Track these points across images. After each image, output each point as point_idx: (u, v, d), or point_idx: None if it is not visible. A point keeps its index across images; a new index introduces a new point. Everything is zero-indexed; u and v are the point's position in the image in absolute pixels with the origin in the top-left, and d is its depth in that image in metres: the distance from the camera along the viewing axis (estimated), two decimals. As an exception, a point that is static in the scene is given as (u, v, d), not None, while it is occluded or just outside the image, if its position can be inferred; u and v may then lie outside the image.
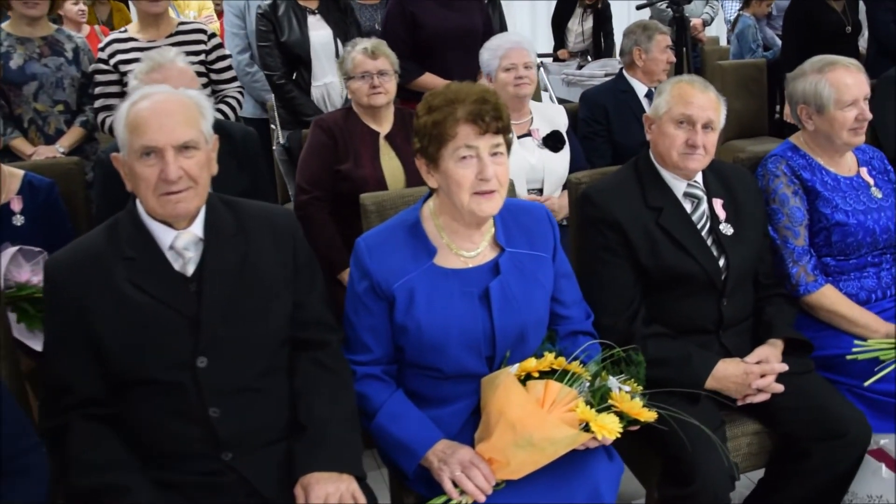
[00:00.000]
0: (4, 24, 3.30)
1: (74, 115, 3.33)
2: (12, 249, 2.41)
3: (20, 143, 3.23)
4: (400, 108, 2.98)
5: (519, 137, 3.04)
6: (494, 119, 1.72)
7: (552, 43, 6.41)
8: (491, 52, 3.07)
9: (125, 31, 3.25)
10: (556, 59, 6.03)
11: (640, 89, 3.39)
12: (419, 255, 1.83)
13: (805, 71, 2.29)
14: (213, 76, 3.27)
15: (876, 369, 2.08)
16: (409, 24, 3.46)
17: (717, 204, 2.11)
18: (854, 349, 2.10)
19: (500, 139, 1.75)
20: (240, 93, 3.32)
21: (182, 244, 1.71)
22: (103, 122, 3.18)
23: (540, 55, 6.00)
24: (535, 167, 3.01)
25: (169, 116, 1.66)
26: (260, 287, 1.75)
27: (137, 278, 1.67)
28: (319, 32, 3.48)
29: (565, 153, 3.08)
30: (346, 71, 2.84)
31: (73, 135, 3.30)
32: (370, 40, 2.90)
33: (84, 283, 1.66)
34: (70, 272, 1.68)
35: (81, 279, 1.66)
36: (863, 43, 4.94)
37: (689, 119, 2.03)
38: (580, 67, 5.69)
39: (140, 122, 1.64)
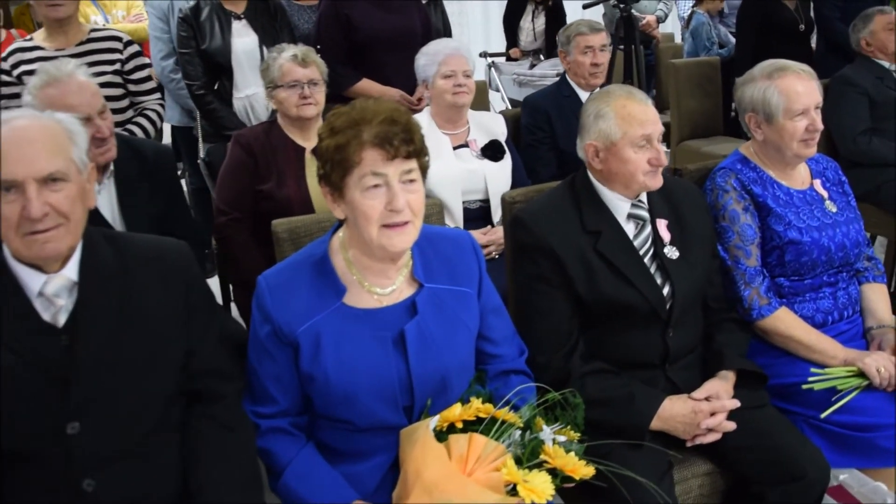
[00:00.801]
0: None
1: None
2: None
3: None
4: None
5: (455, 148, 2.86)
6: (405, 142, 1.53)
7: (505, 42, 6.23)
8: (428, 57, 2.88)
9: (31, 38, 3.00)
10: (509, 59, 5.84)
11: (582, 94, 3.21)
12: (327, 294, 1.63)
13: (754, 76, 2.12)
14: (132, 87, 3.03)
15: (833, 399, 1.93)
16: (344, 27, 3.25)
17: (662, 225, 1.93)
18: (809, 378, 1.95)
19: (412, 164, 1.56)
20: (161, 105, 3.09)
21: (52, 290, 1.49)
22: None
23: (492, 54, 5.83)
24: (474, 176, 2.82)
25: (30, 145, 1.44)
26: (144, 336, 1.55)
27: (2, 337, 1.45)
28: (244, 39, 3.25)
29: (506, 163, 2.90)
30: (272, 79, 2.62)
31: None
32: (299, 47, 2.68)
33: None
34: None
35: None
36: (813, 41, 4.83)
37: (649, 138, 1.87)
38: (532, 67, 5.51)
39: None
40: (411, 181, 1.56)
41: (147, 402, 1.54)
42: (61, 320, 1.49)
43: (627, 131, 1.85)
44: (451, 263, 1.71)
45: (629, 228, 1.92)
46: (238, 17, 3.27)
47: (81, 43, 2.96)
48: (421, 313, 1.64)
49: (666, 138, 5.05)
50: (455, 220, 2.80)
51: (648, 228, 1.93)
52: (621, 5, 3.69)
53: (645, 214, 1.93)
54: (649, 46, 5.77)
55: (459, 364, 1.68)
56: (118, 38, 3.02)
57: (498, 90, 5.70)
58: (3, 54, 3.00)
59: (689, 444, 1.84)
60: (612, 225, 1.90)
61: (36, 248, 1.44)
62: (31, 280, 1.48)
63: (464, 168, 2.82)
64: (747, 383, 1.92)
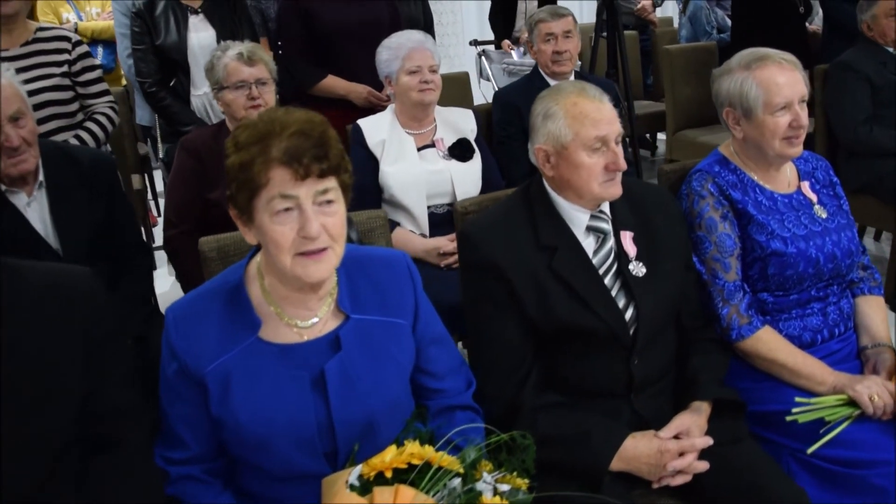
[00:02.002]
0: None
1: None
2: None
3: None
4: None
5: (420, 149, 2.66)
6: (317, 159, 1.33)
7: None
8: (391, 52, 2.68)
9: (-27, 37, 2.82)
10: (482, 51, 5.60)
11: (553, 83, 3.00)
12: (240, 328, 1.45)
13: (731, 67, 1.91)
14: (80, 89, 2.86)
15: (821, 431, 1.72)
16: (304, 20, 3.05)
17: (626, 238, 1.72)
18: (794, 409, 1.74)
19: (328, 183, 1.36)
20: (111, 107, 2.91)
21: None
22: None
23: (482, 42, 5.60)
24: (440, 178, 2.63)
25: None
26: (32, 379, 1.36)
27: None
28: (201, 34, 3.08)
29: (475, 162, 2.70)
30: (218, 80, 2.44)
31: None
32: (244, 44, 2.49)
33: None
34: None
35: None
36: (818, 23, 4.59)
37: (604, 140, 1.65)
38: (525, 55, 5.29)
39: None
40: (328, 202, 1.37)
41: (35, 453, 1.36)
42: None
43: (579, 132, 1.64)
44: (382, 291, 1.52)
45: (588, 243, 1.71)
46: (195, 12, 3.10)
47: (27, 43, 2.79)
48: (345, 349, 1.46)
49: (661, 127, 4.87)
50: (420, 226, 2.61)
51: (611, 242, 1.72)
52: (603, -10, 3.46)
53: (606, 227, 1.72)
54: (646, 31, 5.54)
55: (389, 404, 1.49)
56: (66, 38, 2.84)
57: (489, 80, 5.49)
58: (-58, 54, 2.83)
59: (655, 486, 1.64)
60: (569, 240, 1.69)
61: None
62: None
63: (429, 170, 2.63)
64: (724, 413, 1.72)
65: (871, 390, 1.72)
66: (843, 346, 1.91)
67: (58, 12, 4.81)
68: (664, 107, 4.67)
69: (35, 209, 2.17)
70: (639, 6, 5.50)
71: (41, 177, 2.17)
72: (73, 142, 2.75)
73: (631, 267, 1.70)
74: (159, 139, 3.07)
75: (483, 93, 6.03)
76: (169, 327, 1.46)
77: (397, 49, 2.66)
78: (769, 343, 1.82)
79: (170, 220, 2.43)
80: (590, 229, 1.72)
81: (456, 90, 4.00)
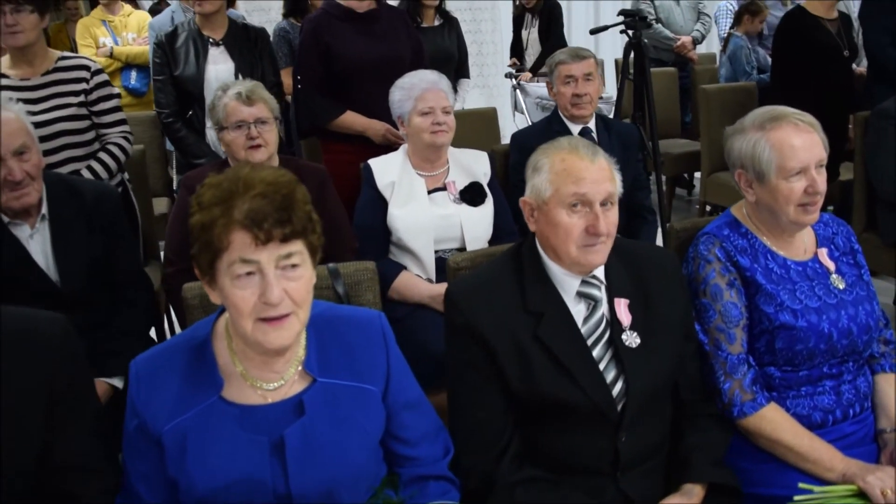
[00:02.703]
0: None
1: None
2: None
3: None
4: (286, 160, 2.54)
5: (431, 192, 2.59)
6: (279, 223, 1.28)
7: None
8: (404, 92, 2.62)
9: (-4, 66, 2.85)
10: (517, 72, 5.55)
11: (574, 128, 2.91)
12: (202, 387, 1.40)
13: (744, 126, 1.80)
14: (95, 119, 2.86)
15: (827, 524, 1.59)
16: (324, 56, 3.02)
17: (621, 306, 1.62)
18: (797, 497, 1.61)
19: (292, 247, 1.31)
20: (125, 138, 2.90)
21: None
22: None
23: (517, 75, 5.55)
24: (450, 223, 2.56)
25: None
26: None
27: None
28: (220, 66, 3.06)
29: (487, 207, 2.62)
30: (218, 120, 2.41)
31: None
32: (245, 83, 2.46)
33: None
34: None
35: None
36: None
37: (584, 199, 1.56)
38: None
39: None
40: (292, 266, 1.31)
41: None
42: None
43: (559, 188, 1.55)
44: (352, 354, 1.46)
45: (578, 310, 1.61)
46: (216, 44, 3.09)
47: (48, 72, 2.81)
48: (308, 413, 1.39)
49: (698, 167, 4.73)
50: (426, 270, 2.54)
51: (603, 309, 1.62)
52: (630, 31, 3.35)
53: (598, 294, 1.62)
54: (685, 69, 5.41)
55: (354, 473, 1.42)
56: (86, 67, 2.85)
57: (522, 112, 5.43)
58: (-32, 82, 2.86)
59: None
60: (558, 305, 1.60)
61: None
62: None
63: (438, 214, 2.56)
64: (719, 497, 1.60)
65: (885, 483, 1.58)
66: (859, 429, 1.77)
67: (95, 36, 4.90)
68: (700, 147, 4.55)
69: (37, 241, 2.17)
70: (679, 43, 5.38)
71: (44, 209, 2.17)
72: (85, 172, 2.76)
73: (624, 337, 1.60)
74: (174, 169, 3.07)
75: (517, 125, 5.98)
76: (132, 382, 1.43)
77: (410, 89, 2.60)
78: (774, 422, 1.70)
79: (168, 258, 2.41)
80: (581, 295, 1.62)
81: (482, 125, 3.94)
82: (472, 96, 4.84)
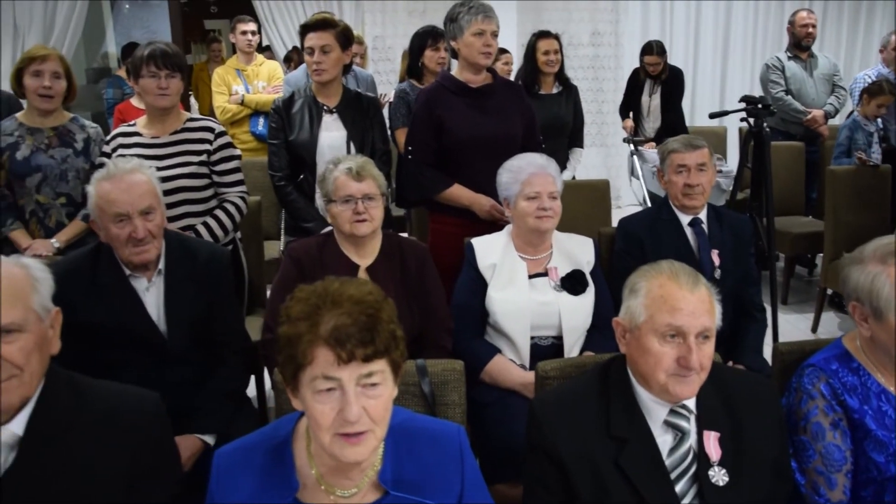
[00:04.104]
0: (19, 114, 3.21)
1: (78, 207, 3.16)
2: None
3: (18, 235, 3.11)
4: (389, 236, 2.58)
5: (532, 276, 2.57)
6: (362, 344, 1.29)
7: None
8: (511, 175, 2.62)
9: (133, 124, 3.05)
10: (634, 148, 5.44)
11: (684, 218, 2.81)
12: (279, 487, 1.42)
13: (864, 256, 1.69)
14: (216, 178, 3.01)
15: None
16: (436, 130, 3.06)
17: (711, 439, 1.55)
18: None
19: (374, 366, 1.32)
20: (242, 198, 3.03)
21: None
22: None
23: (636, 140, 5.46)
24: (548, 310, 2.52)
25: None
26: (79, 498, 1.43)
27: None
28: (332, 133, 3.14)
29: (587, 297, 2.57)
30: (327, 192, 2.48)
31: (72, 229, 3.14)
32: (356, 158, 2.52)
33: None
34: None
35: None
36: None
37: (680, 331, 1.51)
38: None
39: None
40: (373, 385, 1.32)
41: None
42: None
43: (654, 316, 1.51)
44: (427, 471, 1.45)
45: (665, 440, 1.55)
46: (330, 111, 3.17)
47: (176, 132, 2.98)
48: (378, 526, 1.39)
49: (818, 249, 4.50)
50: (521, 356, 2.51)
51: (691, 442, 1.55)
52: (750, 119, 3.23)
53: (686, 426, 1.55)
54: (814, 143, 5.17)
55: None
56: (210, 129, 3.01)
57: (638, 178, 5.34)
58: (108, 138, 3.07)
59: None
60: (643, 433, 1.54)
61: None
62: None
63: (538, 300, 2.53)
64: None
65: None
66: None
67: (228, 84, 5.17)
68: (823, 228, 4.33)
69: (152, 294, 2.29)
70: (809, 116, 5.16)
71: (161, 265, 2.30)
72: (201, 228, 2.89)
73: (711, 473, 1.53)
74: (283, 231, 3.16)
75: (633, 191, 5.88)
76: (213, 473, 1.47)
77: (517, 172, 2.60)
78: (874, 582, 1.57)
79: (268, 325, 2.47)
80: (668, 425, 1.56)
81: (594, 197, 3.88)
82: (588, 155, 4.81)
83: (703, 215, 2.80)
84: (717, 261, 2.73)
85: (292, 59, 6.41)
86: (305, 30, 3.12)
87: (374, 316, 1.32)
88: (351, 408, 1.28)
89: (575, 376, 1.72)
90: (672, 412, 1.56)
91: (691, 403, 1.57)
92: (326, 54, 3.09)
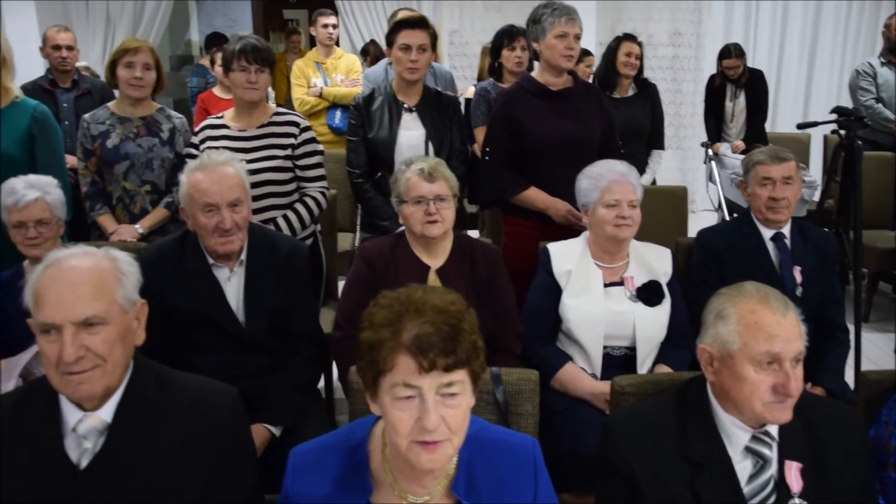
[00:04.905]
0: (111, 104, 3.32)
1: (162, 195, 3.26)
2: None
3: (105, 220, 3.22)
4: (460, 237, 2.58)
5: (607, 285, 2.54)
6: (443, 353, 1.30)
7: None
8: (591, 181, 2.59)
9: (221, 116, 3.12)
10: (713, 154, 5.31)
11: (766, 232, 2.73)
12: (353, 490, 1.45)
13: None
14: (298, 172, 3.06)
15: None
16: (514, 132, 3.05)
17: (792, 469, 1.51)
18: None
19: (454, 376, 1.32)
20: (322, 193, 3.08)
21: (83, 430, 1.48)
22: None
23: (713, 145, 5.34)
24: (622, 320, 2.49)
25: (72, 289, 1.45)
26: (161, 489, 1.48)
27: (27, 464, 1.45)
28: (411, 133, 3.15)
29: (663, 308, 2.53)
30: (399, 193, 2.50)
31: (155, 216, 3.23)
32: (428, 159, 2.53)
33: None
34: None
35: None
36: None
37: (776, 358, 1.47)
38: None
39: (40, 294, 1.46)
40: (452, 395, 1.32)
41: None
42: (84, 463, 1.47)
43: (749, 343, 1.47)
44: (500, 483, 1.45)
45: (744, 466, 1.51)
46: (409, 110, 3.18)
47: (262, 125, 3.04)
48: (450, 536, 1.40)
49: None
50: (592, 365, 2.49)
51: (771, 471, 1.51)
52: (842, 131, 3.11)
53: (768, 453, 1.51)
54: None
55: None
56: (296, 124, 3.06)
57: (716, 183, 5.20)
58: (196, 129, 3.15)
59: None
60: (722, 459, 1.51)
61: (70, 388, 1.45)
62: (69, 414, 1.49)
63: (612, 309, 2.50)
64: None
65: None
66: None
67: (308, 76, 5.24)
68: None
69: (233, 284, 2.35)
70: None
71: (243, 256, 2.36)
72: (281, 220, 2.95)
73: (792, 504, 1.49)
74: (358, 227, 3.18)
75: (710, 197, 5.74)
76: (289, 471, 1.50)
77: (597, 179, 2.57)
78: None
79: (338, 322, 2.50)
80: (749, 451, 1.52)
81: (672, 204, 3.81)
82: (664, 158, 4.72)
83: (786, 230, 2.72)
84: (798, 278, 2.65)
85: (369, 51, 6.45)
86: (401, 26, 3.10)
87: (456, 326, 1.32)
88: (430, 416, 1.29)
89: (652, 394, 1.70)
90: (754, 438, 1.52)
91: (774, 430, 1.53)
92: (423, 53, 3.09)
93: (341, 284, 3.65)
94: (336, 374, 2.65)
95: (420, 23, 3.10)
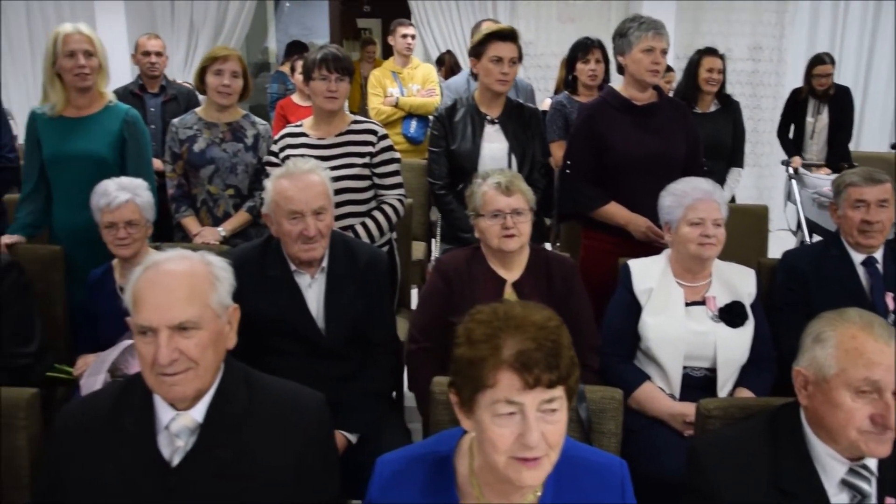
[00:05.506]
0: (198, 109, 3.41)
1: (244, 199, 3.33)
2: (129, 342, 2.45)
3: (189, 222, 3.31)
4: (536, 250, 2.57)
5: (688, 304, 2.49)
6: (548, 369, 1.29)
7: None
8: (675, 198, 2.55)
9: (300, 125, 3.18)
10: (794, 171, 5.16)
11: (856, 257, 2.64)
12: (437, 502, 1.44)
13: None
14: (376, 180, 3.09)
15: None
16: (597, 146, 3.02)
17: (892, 505, 1.46)
18: None
19: (555, 393, 1.31)
20: (399, 200, 3.10)
21: (175, 429, 1.52)
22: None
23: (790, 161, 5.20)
24: (704, 340, 2.44)
25: (168, 293, 1.49)
26: (250, 490, 1.51)
27: (122, 458, 1.50)
28: (494, 145, 3.14)
29: (746, 330, 2.47)
30: (475, 207, 2.50)
31: (238, 219, 3.30)
32: (505, 172, 2.53)
33: (76, 447, 1.54)
34: (69, 429, 1.57)
35: (75, 441, 1.54)
36: None
37: (876, 387, 1.42)
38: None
39: (138, 297, 1.50)
40: (552, 411, 1.32)
41: None
42: (176, 460, 1.51)
43: (847, 369, 1.43)
44: (587, 502, 1.43)
45: (840, 500, 1.46)
46: (492, 122, 3.18)
47: (341, 133, 3.08)
48: (537, 556, 1.39)
49: None
50: (671, 385, 2.45)
51: (870, 506, 1.46)
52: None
53: (867, 488, 1.46)
54: None
55: None
56: (374, 132, 3.09)
57: (794, 203, 5.07)
58: (276, 137, 3.21)
59: None
60: (816, 491, 1.46)
61: (164, 389, 1.49)
62: (163, 413, 1.53)
63: (693, 329, 2.45)
64: None
65: None
66: None
67: (384, 86, 5.29)
68: None
69: (314, 291, 2.39)
70: None
71: (325, 263, 2.39)
72: (359, 228, 2.98)
73: (891, 542, 1.43)
74: (438, 237, 3.19)
75: (787, 217, 5.60)
76: (375, 479, 1.51)
77: (682, 196, 2.53)
78: None
79: (413, 335, 2.52)
80: (845, 484, 1.47)
81: (751, 224, 3.73)
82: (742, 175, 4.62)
83: (878, 254, 2.63)
84: (892, 304, 2.56)
85: (444, 61, 6.49)
86: (492, 38, 3.09)
87: (557, 342, 1.31)
88: (532, 433, 1.28)
89: (740, 419, 1.66)
90: (851, 471, 1.47)
91: (873, 464, 1.48)
92: (513, 65, 3.10)
93: (413, 293, 3.70)
94: (407, 383, 2.66)
95: (511, 35, 3.10)
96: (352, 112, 3.18)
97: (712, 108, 4.32)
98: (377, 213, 3.04)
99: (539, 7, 7.04)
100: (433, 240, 3.64)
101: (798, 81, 5.41)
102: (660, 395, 2.42)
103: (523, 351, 1.29)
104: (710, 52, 4.29)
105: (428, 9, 6.90)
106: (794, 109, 5.32)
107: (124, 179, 2.74)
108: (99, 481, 1.49)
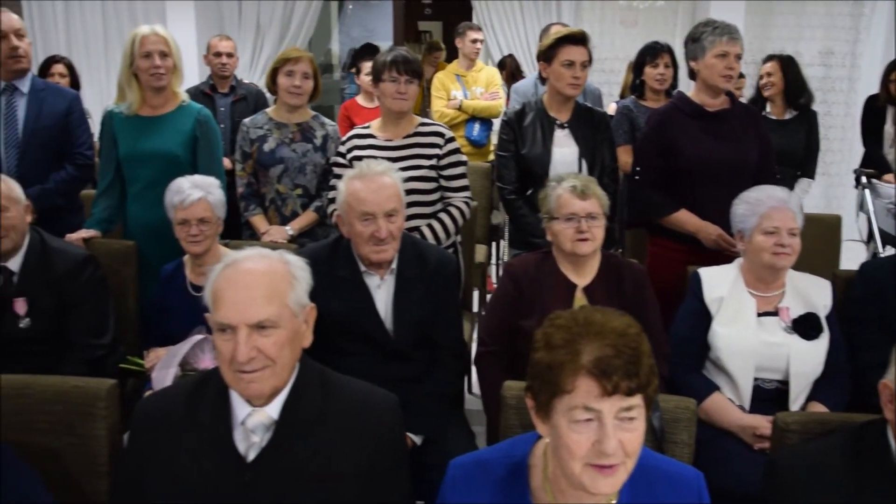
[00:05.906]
0: (269, 109, 3.47)
1: (312, 199, 3.38)
2: (200, 336, 2.47)
3: (257, 220, 3.37)
4: (607, 256, 2.54)
5: (761, 315, 2.44)
6: (627, 377, 1.28)
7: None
8: (749, 206, 2.50)
9: (368, 126, 3.20)
10: (867, 181, 4.96)
11: (942, 273, 2.55)
12: None
13: None
14: (443, 182, 3.10)
15: None
16: (666, 152, 2.98)
17: (984, 530, 1.40)
18: None
19: (634, 401, 1.30)
20: (466, 203, 3.10)
21: (251, 425, 1.55)
22: (332, 213, 3.17)
23: (869, 172, 5.02)
24: (776, 352, 2.38)
25: (247, 291, 1.51)
26: (324, 487, 1.53)
27: (199, 451, 1.53)
28: (564, 149, 3.12)
29: (821, 343, 2.41)
30: (549, 210, 2.48)
31: (305, 218, 3.35)
32: (580, 176, 2.51)
33: (154, 439, 1.57)
34: (147, 421, 1.60)
35: (154, 434, 1.58)
36: None
37: None
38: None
39: (218, 295, 1.52)
40: (630, 419, 1.30)
41: None
42: (251, 455, 1.53)
43: None
44: (663, 511, 1.41)
45: (927, 522, 1.42)
46: (562, 126, 3.15)
47: (408, 136, 3.09)
48: (613, 566, 1.37)
49: None
50: (741, 397, 2.40)
51: (962, 530, 1.41)
52: None
53: (958, 510, 1.41)
54: None
55: None
56: (441, 134, 3.10)
57: (867, 213, 4.90)
58: (343, 138, 3.24)
59: None
60: (902, 511, 1.42)
61: (241, 386, 1.52)
62: (239, 408, 1.55)
63: (765, 341, 2.40)
64: None
65: None
66: None
67: (448, 89, 5.31)
68: None
69: (383, 291, 2.40)
70: None
71: (394, 265, 2.40)
72: (425, 230, 2.99)
73: None
74: (507, 242, 3.18)
75: (860, 228, 5.42)
76: (447, 482, 1.51)
77: (756, 205, 2.47)
78: None
79: (482, 339, 2.51)
80: (933, 505, 1.42)
81: (823, 234, 3.62)
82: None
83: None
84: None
85: (506, 65, 6.48)
86: (564, 42, 3.08)
87: (637, 349, 1.30)
88: (609, 441, 1.27)
89: (820, 436, 1.61)
90: (941, 492, 1.42)
91: (964, 485, 1.42)
92: (584, 69, 3.08)
93: (475, 295, 3.70)
94: (476, 386, 2.66)
95: (582, 39, 3.08)
96: (413, 114, 3.19)
97: (787, 116, 4.22)
98: (444, 216, 3.05)
99: (604, 10, 6.97)
100: (494, 243, 3.63)
101: (872, 88, 5.23)
102: (730, 406, 2.38)
103: (602, 357, 1.28)
104: (769, 58, 4.23)
105: (491, 10, 6.85)
106: (871, 117, 5.13)
107: (197, 177, 2.80)
108: (176, 474, 1.52)
